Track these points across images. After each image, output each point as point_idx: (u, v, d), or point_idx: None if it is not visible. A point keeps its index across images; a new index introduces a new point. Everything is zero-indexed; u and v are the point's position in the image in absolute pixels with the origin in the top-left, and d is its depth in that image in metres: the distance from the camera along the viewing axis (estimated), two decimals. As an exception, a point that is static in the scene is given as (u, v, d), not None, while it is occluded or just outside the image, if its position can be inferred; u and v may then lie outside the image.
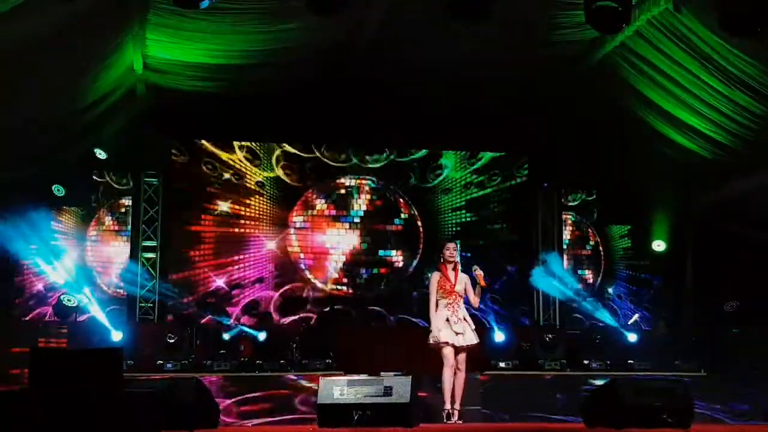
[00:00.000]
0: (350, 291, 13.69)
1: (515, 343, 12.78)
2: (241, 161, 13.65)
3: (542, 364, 12.00)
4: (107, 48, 9.82)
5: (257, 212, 13.63)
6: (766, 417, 8.89)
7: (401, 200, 14.03)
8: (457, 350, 8.52)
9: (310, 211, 13.77)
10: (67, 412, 5.50)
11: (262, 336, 12.33)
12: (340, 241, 13.76)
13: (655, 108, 11.15)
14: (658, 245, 14.05)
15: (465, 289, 8.65)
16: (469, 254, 13.65)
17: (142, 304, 12.91)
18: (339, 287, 13.67)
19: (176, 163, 13.42)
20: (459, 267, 8.76)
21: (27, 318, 12.56)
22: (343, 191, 13.91)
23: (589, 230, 14.64)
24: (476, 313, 12.77)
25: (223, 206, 13.50)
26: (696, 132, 11.15)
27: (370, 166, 14.02)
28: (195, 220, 13.41)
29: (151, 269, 13.00)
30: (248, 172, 13.64)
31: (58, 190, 12.61)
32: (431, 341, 8.55)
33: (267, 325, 12.94)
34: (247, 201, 13.61)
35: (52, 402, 5.50)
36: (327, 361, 11.53)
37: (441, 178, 14.14)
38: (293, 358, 11.61)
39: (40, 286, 12.71)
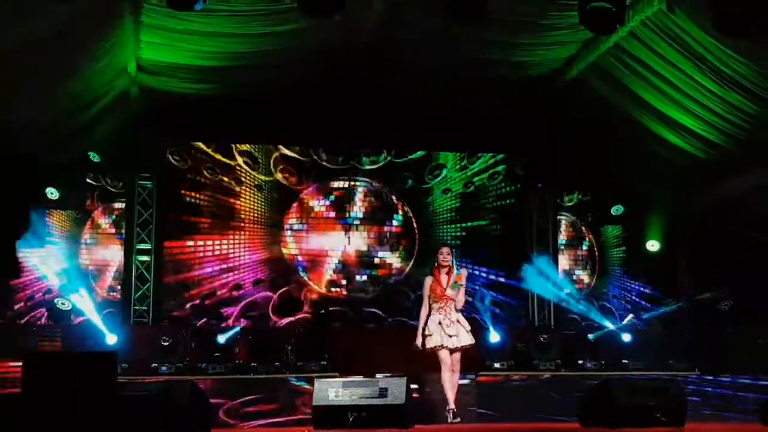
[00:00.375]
0: (347, 293, 13.68)
1: (510, 343, 12.80)
2: (237, 164, 13.63)
3: (537, 365, 12.02)
4: (100, 50, 9.80)
5: (253, 214, 13.61)
6: (760, 416, 8.90)
7: (398, 202, 14.03)
8: (451, 351, 8.55)
9: (306, 213, 13.75)
10: (62, 415, 5.49)
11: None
12: (337, 243, 13.74)
13: (649, 108, 11.17)
14: (652, 245, 14.08)
15: (457, 281, 8.70)
16: (464, 259, 13.66)
17: (137, 307, 12.88)
18: (335, 289, 13.66)
19: (170, 166, 13.39)
20: (453, 271, 8.79)
21: (21, 321, 12.52)
22: (340, 193, 13.89)
23: (584, 231, 14.66)
24: (474, 314, 12.89)
25: (219, 209, 13.47)
26: (689, 132, 11.18)
27: (367, 167, 14.00)
28: (190, 223, 13.38)
29: (145, 272, 12.98)
30: (244, 175, 13.62)
31: (52, 192, 12.59)
32: (417, 344, 8.63)
33: (263, 327, 12.93)
34: (243, 203, 13.58)
35: (47, 406, 5.49)
36: (322, 363, 11.53)
37: (438, 179, 14.13)
38: (288, 360, 11.61)
39: (34, 289, 12.68)
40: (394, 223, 13.99)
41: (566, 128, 13.09)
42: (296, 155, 13.82)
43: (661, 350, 12.65)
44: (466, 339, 8.62)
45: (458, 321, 8.64)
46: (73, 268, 12.84)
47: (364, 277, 13.77)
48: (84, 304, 12.36)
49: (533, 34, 10.22)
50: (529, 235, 14.15)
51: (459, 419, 8.57)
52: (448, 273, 8.74)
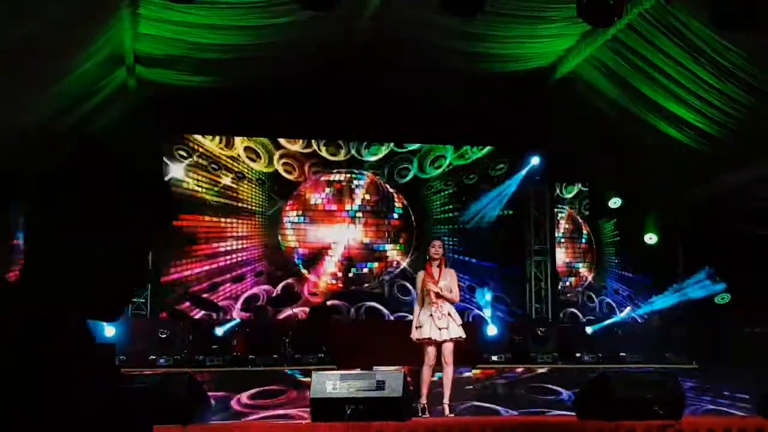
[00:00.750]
0: (346, 285, 13.67)
1: (507, 336, 12.82)
2: (237, 156, 13.61)
3: (534, 358, 12.04)
4: (97, 42, 9.78)
5: (252, 207, 13.60)
6: (757, 409, 8.92)
7: (397, 194, 14.01)
8: (442, 344, 8.58)
9: (306, 206, 13.74)
10: (65, 407, 5.50)
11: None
12: (337, 236, 13.73)
13: (647, 101, 11.16)
14: (650, 238, 14.10)
15: (449, 285, 8.74)
16: (462, 255, 13.68)
17: (134, 299, 12.87)
18: (334, 282, 13.65)
19: (169, 158, 13.36)
20: (444, 263, 8.85)
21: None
22: (340, 186, 13.87)
23: (583, 224, 14.66)
24: (473, 308, 12.90)
25: (218, 201, 13.46)
26: (685, 123, 11.18)
27: (366, 159, 13.98)
28: (188, 215, 13.36)
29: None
30: (243, 167, 13.60)
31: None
32: (414, 337, 8.67)
33: (261, 319, 12.92)
34: (242, 196, 13.57)
35: (49, 397, 5.49)
36: (320, 355, 11.54)
37: (440, 171, 14.12)
38: (286, 353, 11.62)
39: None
40: (394, 215, 13.99)
41: (564, 121, 13.09)
42: (296, 148, 13.81)
43: (658, 343, 12.67)
44: (456, 332, 8.66)
45: (449, 314, 8.68)
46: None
47: (364, 270, 13.77)
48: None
49: (530, 27, 10.22)
50: (527, 227, 14.16)
51: (451, 414, 8.58)
52: (440, 266, 8.79)
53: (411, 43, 10.91)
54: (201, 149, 13.46)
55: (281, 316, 13.17)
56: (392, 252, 13.89)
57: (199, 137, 13.47)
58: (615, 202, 14.23)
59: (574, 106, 12.51)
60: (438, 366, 8.79)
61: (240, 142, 13.61)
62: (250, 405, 10.67)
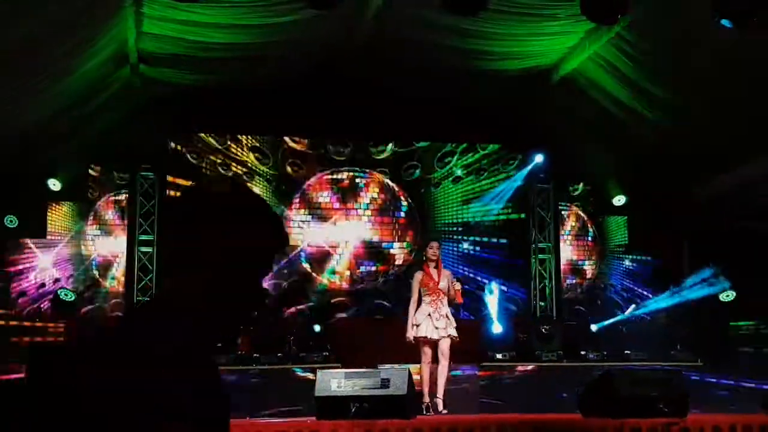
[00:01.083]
0: (351, 284, 13.67)
1: (512, 334, 12.81)
2: (241, 154, 13.62)
3: (539, 356, 12.03)
4: (101, 41, 9.80)
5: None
6: (764, 406, 8.89)
7: (403, 193, 14.00)
8: (439, 341, 8.59)
9: (312, 204, 13.74)
10: (66, 406, 5.51)
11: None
12: (343, 234, 13.73)
13: (651, 98, 11.15)
14: (619, 200, 14.08)
15: (448, 286, 8.76)
16: (470, 247, 13.67)
17: (140, 298, 12.89)
18: (340, 280, 13.65)
19: (173, 157, 13.38)
20: (441, 264, 8.89)
21: (25, 312, 12.54)
22: (346, 184, 13.87)
23: (588, 221, 14.64)
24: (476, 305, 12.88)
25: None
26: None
27: (374, 157, 13.97)
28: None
29: (148, 263, 12.98)
30: (248, 165, 13.60)
31: (54, 184, 12.54)
32: (410, 336, 8.68)
33: (265, 318, 12.92)
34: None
35: (51, 397, 5.51)
36: (324, 353, 11.54)
37: (447, 167, 14.11)
38: (291, 351, 11.62)
39: (37, 281, 12.70)
40: (401, 214, 13.97)
41: (568, 119, 13.07)
42: (303, 147, 13.80)
43: (663, 341, 12.64)
44: (453, 331, 8.68)
45: (447, 316, 8.70)
46: (78, 259, 12.87)
47: (371, 268, 13.76)
48: (89, 296, 12.37)
49: (533, 25, 10.21)
50: (531, 225, 14.15)
51: (444, 411, 8.59)
52: (437, 267, 8.82)
53: (414, 42, 10.90)
54: (204, 147, 13.46)
55: (286, 314, 13.17)
56: (398, 250, 13.88)
57: (202, 135, 13.47)
58: (619, 200, 14.21)
59: (577, 104, 12.48)
60: (434, 363, 8.80)
61: (245, 141, 13.62)
62: (253, 403, 10.67)
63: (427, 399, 8.58)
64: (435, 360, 8.73)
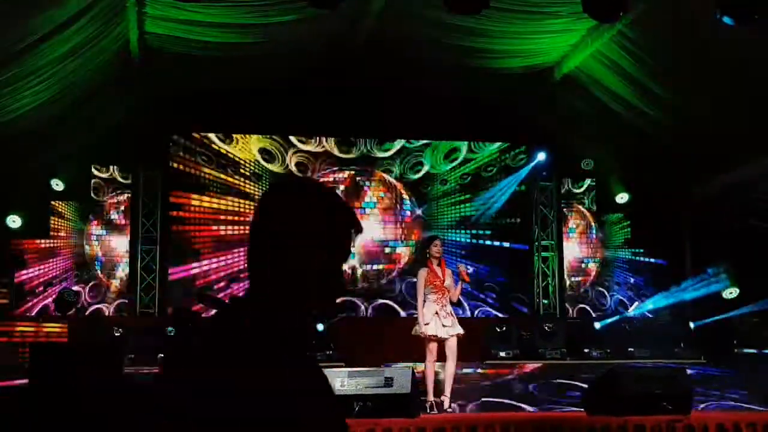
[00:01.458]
0: (357, 283, 13.65)
1: (515, 332, 12.80)
2: (243, 154, 13.61)
3: (543, 353, 12.02)
4: (105, 40, 9.80)
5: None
6: (765, 402, 8.90)
7: (406, 191, 13.99)
8: (446, 340, 8.57)
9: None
10: (68, 406, 5.51)
11: None
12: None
13: (653, 96, 11.15)
14: (622, 197, 14.08)
15: (451, 284, 8.77)
16: (473, 241, 13.66)
17: (143, 298, 12.90)
18: (345, 279, 13.63)
19: (176, 157, 13.38)
20: (445, 262, 8.88)
21: (29, 313, 12.56)
22: (349, 183, 13.86)
23: (591, 219, 14.63)
24: (473, 304, 12.87)
25: (224, 199, 13.47)
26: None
27: (379, 156, 13.97)
28: (195, 214, 13.37)
29: (151, 263, 12.99)
30: (249, 165, 13.60)
31: (57, 184, 12.54)
32: (419, 333, 8.66)
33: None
34: (248, 193, 13.56)
35: (53, 397, 5.51)
36: (328, 352, 11.53)
37: (451, 167, 14.11)
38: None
39: (41, 281, 12.72)
40: (407, 213, 13.96)
41: (571, 116, 13.07)
42: (309, 147, 13.79)
43: (667, 338, 12.64)
44: (459, 329, 8.67)
45: (451, 313, 8.70)
46: (81, 259, 12.88)
47: (376, 268, 13.74)
48: (90, 296, 12.38)
49: (535, 23, 10.20)
50: (534, 223, 14.15)
51: (449, 409, 8.58)
52: (440, 264, 8.81)
53: (416, 41, 10.90)
54: (207, 147, 13.46)
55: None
56: (404, 249, 13.87)
57: (206, 135, 13.47)
58: (622, 197, 14.20)
59: (580, 101, 12.48)
60: (440, 361, 8.79)
61: (251, 141, 13.61)
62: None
63: (431, 398, 8.58)
64: (440, 358, 8.72)
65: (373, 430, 7.08)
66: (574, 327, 13.19)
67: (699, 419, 7.36)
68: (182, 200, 13.36)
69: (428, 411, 8.46)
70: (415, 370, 7.99)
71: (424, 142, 14.11)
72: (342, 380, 7.66)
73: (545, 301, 13.85)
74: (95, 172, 13.20)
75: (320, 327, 12.20)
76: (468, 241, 13.89)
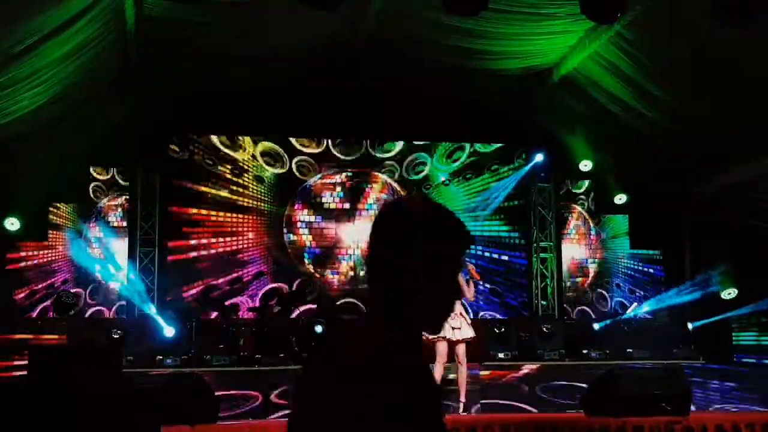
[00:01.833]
0: (358, 284, 13.65)
1: (514, 333, 12.80)
2: (243, 155, 13.61)
3: (541, 355, 12.02)
4: (103, 43, 9.81)
5: (259, 206, 13.59)
6: (764, 402, 8.90)
7: (407, 192, 13.98)
8: (455, 344, 8.55)
9: (318, 205, 13.72)
10: (66, 408, 5.51)
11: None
12: (348, 235, 13.71)
13: (651, 97, 11.14)
14: (620, 198, 14.05)
15: (475, 277, 8.76)
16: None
17: (142, 299, 12.88)
18: (346, 281, 13.63)
19: (175, 159, 13.37)
20: None
21: (27, 315, 12.55)
22: (350, 185, 13.86)
23: (590, 220, 14.63)
24: (474, 304, 12.87)
25: (223, 201, 13.46)
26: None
27: (378, 155, 13.96)
28: (195, 215, 13.36)
29: (150, 264, 12.99)
30: (250, 167, 13.59)
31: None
32: (425, 335, 8.63)
33: (267, 319, 12.92)
34: (249, 195, 13.56)
35: (51, 398, 5.50)
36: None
37: (450, 168, 14.11)
38: (293, 352, 11.61)
39: (40, 283, 12.71)
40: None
41: (569, 117, 13.07)
42: (310, 150, 13.78)
43: (665, 339, 12.64)
44: (468, 332, 8.64)
45: (461, 314, 8.67)
46: (80, 260, 12.87)
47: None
48: (89, 297, 12.37)
49: (533, 24, 10.20)
50: (533, 224, 14.15)
51: (465, 413, 8.58)
52: None
53: (415, 42, 10.90)
54: (206, 148, 13.46)
55: (288, 315, 13.17)
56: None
57: (204, 137, 13.47)
58: (621, 198, 14.20)
59: (578, 102, 12.48)
60: (449, 364, 8.77)
61: (251, 142, 13.61)
62: (255, 405, 10.67)
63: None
64: (449, 360, 8.69)
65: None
66: (573, 328, 13.19)
67: (698, 420, 7.35)
68: (181, 203, 13.34)
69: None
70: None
71: (425, 143, 14.10)
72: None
73: (543, 303, 13.85)
74: (94, 174, 13.18)
75: (318, 329, 12.20)
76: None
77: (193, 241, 13.29)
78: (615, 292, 14.34)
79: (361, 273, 13.68)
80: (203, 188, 13.40)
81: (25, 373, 6.24)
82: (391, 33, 10.75)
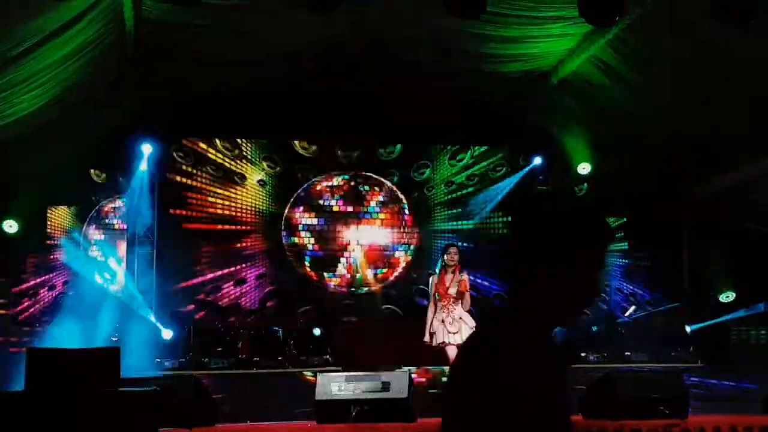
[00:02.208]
0: (357, 287, 13.64)
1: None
2: (241, 158, 13.60)
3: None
4: (101, 46, 9.81)
5: (259, 209, 13.58)
6: (764, 407, 8.89)
7: (405, 196, 13.98)
8: (457, 347, 8.58)
9: (319, 208, 13.71)
10: (65, 412, 5.51)
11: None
12: (348, 238, 13.70)
13: (650, 99, 11.15)
14: (584, 168, 13.82)
15: (462, 290, 8.75)
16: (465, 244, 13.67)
17: (140, 303, 12.85)
18: (345, 284, 13.62)
19: (174, 161, 13.35)
20: (459, 270, 8.87)
21: (23, 317, 12.52)
22: (353, 188, 13.85)
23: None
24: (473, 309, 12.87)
25: (222, 204, 13.45)
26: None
27: (381, 159, 13.96)
28: (193, 218, 13.34)
29: (147, 267, 12.96)
30: (249, 170, 13.59)
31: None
32: (426, 341, 8.69)
33: (265, 322, 12.91)
34: (249, 198, 13.55)
35: (50, 402, 5.50)
36: (325, 357, 11.52)
37: (450, 171, 14.11)
38: (291, 355, 11.60)
39: (39, 287, 12.69)
40: (405, 218, 13.94)
41: (567, 121, 13.08)
42: (310, 153, 13.78)
43: (663, 342, 12.63)
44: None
45: (461, 318, 8.71)
46: (79, 264, 12.85)
47: (377, 272, 13.72)
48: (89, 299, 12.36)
49: (532, 27, 10.21)
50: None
51: None
52: (454, 272, 8.80)
53: (415, 45, 10.91)
54: (205, 151, 13.45)
55: (287, 318, 13.16)
56: (402, 254, 13.86)
57: (204, 140, 13.46)
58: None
59: (576, 105, 12.49)
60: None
61: (250, 144, 13.60)
62: (254, 407, 10.66)
63: None
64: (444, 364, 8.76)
65: (371, 435, 7.09)
66: (570, 330, 13.15)
67: (696, 423, 7.36)
68: (179, 205, 13.33)
69: None
70: (412, 375, 7.99)
71: (425, 145, 14.10)
72: (339, 384, 7.66)
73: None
74: (93, 176, 13.16)
75: (317, 332, 12.20)
76: (464, 245, 13.87)
77: (191, 244, 13.27)
78: (614, 295, 14.32)
79: (359, 275, 13.68)
80: (202, 191, 13.39)
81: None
82: (390, 35, 10.76)
